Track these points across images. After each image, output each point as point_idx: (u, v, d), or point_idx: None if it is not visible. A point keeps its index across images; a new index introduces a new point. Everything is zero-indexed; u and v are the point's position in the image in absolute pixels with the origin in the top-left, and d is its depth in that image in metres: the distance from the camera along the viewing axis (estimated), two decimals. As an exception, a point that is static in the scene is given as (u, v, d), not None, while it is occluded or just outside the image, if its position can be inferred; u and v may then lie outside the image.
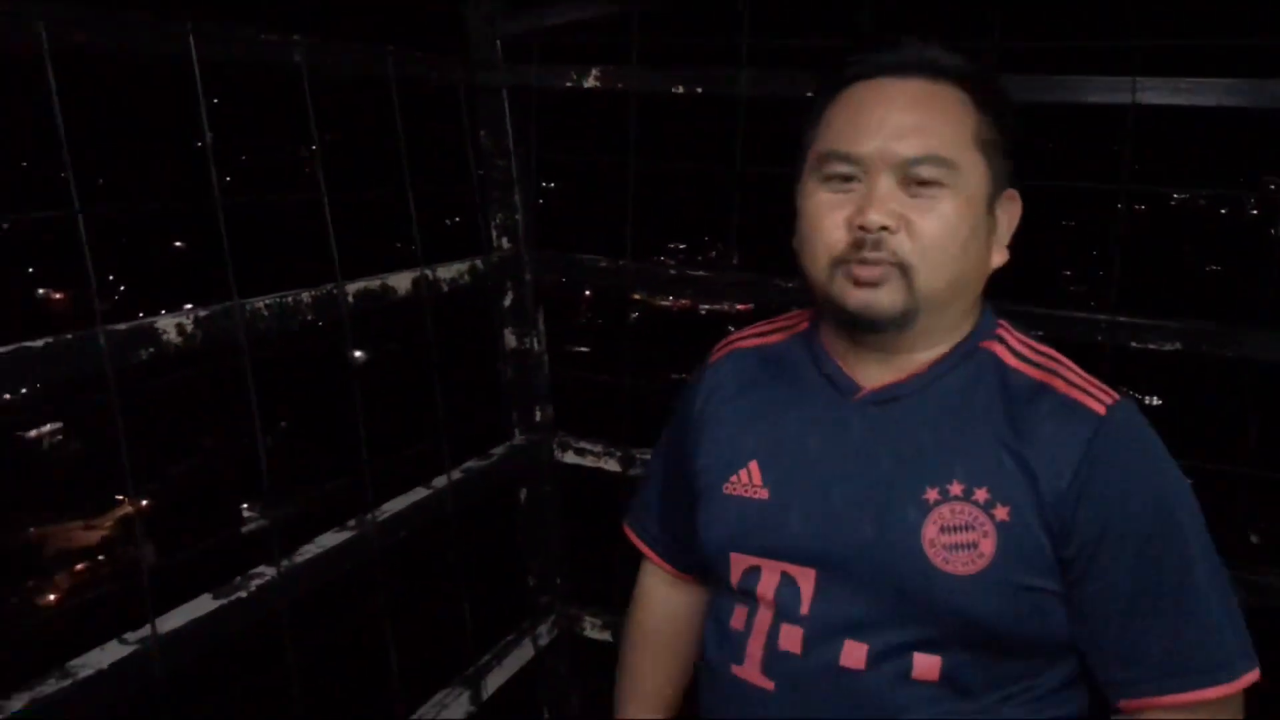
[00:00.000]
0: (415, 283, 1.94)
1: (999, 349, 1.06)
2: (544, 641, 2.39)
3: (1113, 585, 0.96)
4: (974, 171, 1.00)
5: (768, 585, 1.07)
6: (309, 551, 1.74)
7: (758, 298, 2.02)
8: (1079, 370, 1.04)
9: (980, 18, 1.75)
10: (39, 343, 1.27)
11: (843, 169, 1.02)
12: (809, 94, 1.90)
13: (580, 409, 2.45)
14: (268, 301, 1.62)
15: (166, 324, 1.44)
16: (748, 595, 1.10)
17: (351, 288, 1.78)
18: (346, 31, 1.82)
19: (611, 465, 2.28)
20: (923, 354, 1.05)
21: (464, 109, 2.08)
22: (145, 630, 1.44)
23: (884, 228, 0.98)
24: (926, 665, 0.99)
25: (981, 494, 0.97)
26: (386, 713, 1.93)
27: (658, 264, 2.11)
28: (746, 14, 1.92)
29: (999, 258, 1.06)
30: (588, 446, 2.31)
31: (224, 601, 1.56)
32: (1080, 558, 0.96)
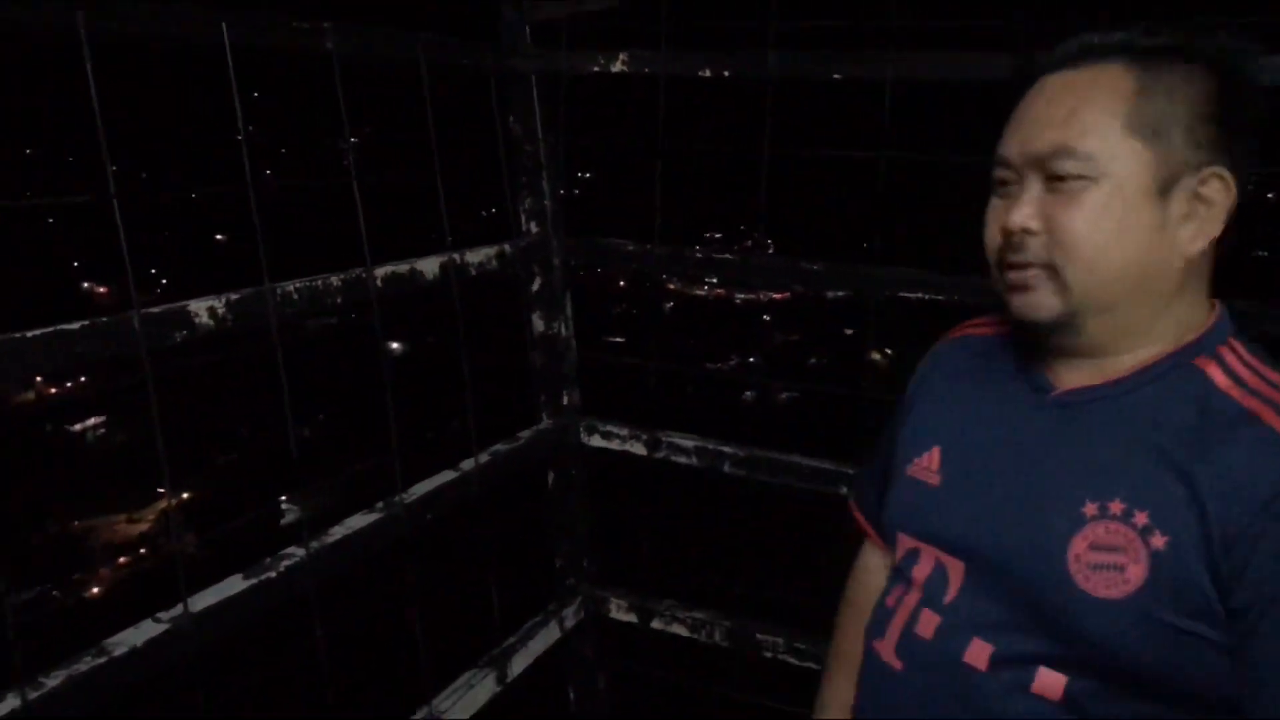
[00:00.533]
0: (443, 267, 1.95)
1: (1214, 368, 0.97)
2: (570, 623, 2.41)
3: (1268, 650, 0.87)
4: (1126, 159, 0.93)
5: (922, 570, 1.09)
6: (337, 533, 1.76)
7: (784, 282, 2.02)
8: None
9: None
10: (76, 325, 1.29)
11: (1001, 173, 1.02)
12: (836, 75, 1.91)
13: (610, 394, 2.46)
14: (298, 285, 1.64)
15: (199, 307, 1.47)
16: (904, 576, 1.12)
17: (380, 272, 1.80)
18: (378, 18, 1.82)
19: (638, 449, 2.29)
20: (1127, 356, 1.00)
21: (494, 95, 2.08)
22: (178, 609, 1.47)
23: (1025, 229, 0.97)
24: (1050, 681, 0.97)
25: (1141, 517, 0.92)
26: (414, 692, 1.95)
27: (685, 249, 2.11)
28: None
29: (1193, 247, 0.97)
30: (614, 430, 2.32)
31: (254, 581, 1.58)
32: (1252, 611, 0.87)
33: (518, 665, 2.23)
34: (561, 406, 2.36)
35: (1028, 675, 0.97)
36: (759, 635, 2.27)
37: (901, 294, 1.96)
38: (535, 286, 2.29)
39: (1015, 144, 0.99)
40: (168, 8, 1.38)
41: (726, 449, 2.20)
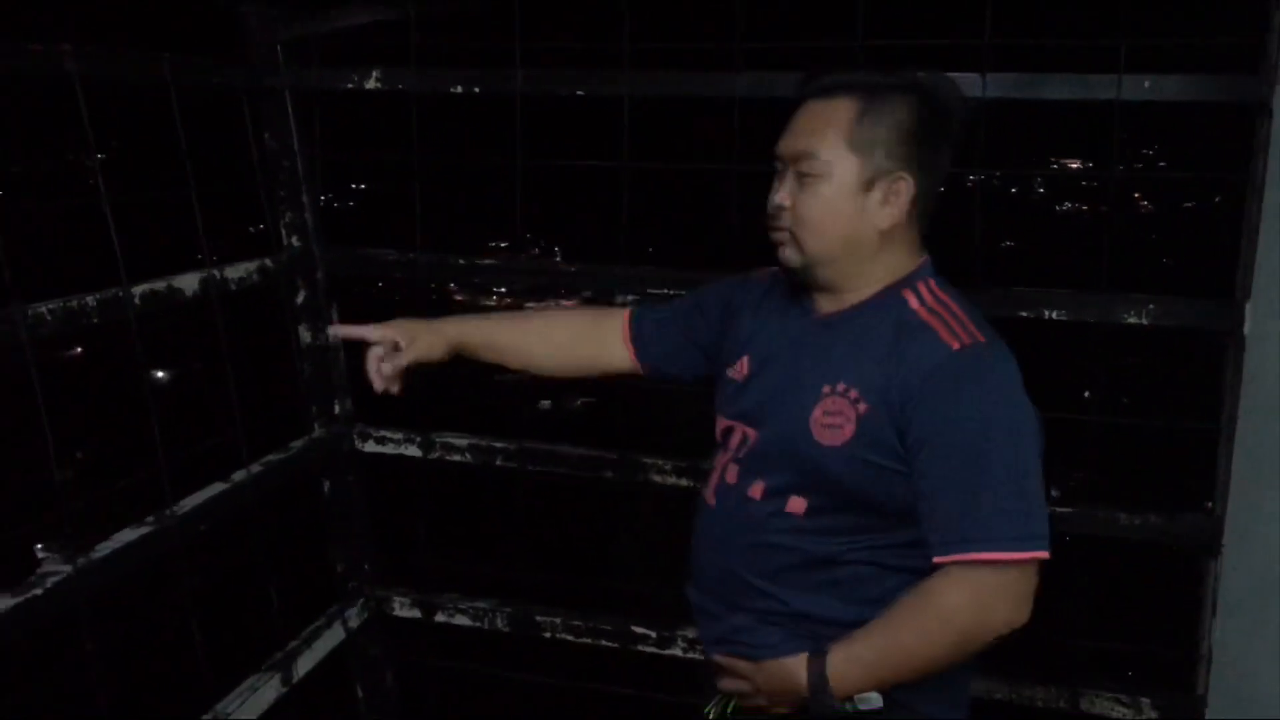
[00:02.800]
0: (203, 283, 1.98)
1: (909, 295, 1.39)
2: (354, 624, 2.47)
3: (929, 470, 1.30)
4: (844, 165, 1.35)
5: (733, 439, 1.48)
6: (105, 548, 1.77)
7: (544, 283, 2.17)
8: (966, 320, 1.35)
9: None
10: None
11: (777, 164, 1.41)
12: (579, 91, 2.09)
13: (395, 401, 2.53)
14: (51, 306, 1.65)
15: (-57, 330, 1.46)
16: (723, 445, 1.51)
17: (137, 290, 1.82)
18: (123, 38, 1.84)
19: (413, 450, 2.39)
20: (851, 295, 1.41)
21: (246, 111, 2.13)
22: (-64, 633, 1.46)
23: (780, 206, 1.39)
24: (796, 503, 1.39)
25: (854, 393, 1.34)
26: (196, 700, 1.97)
27: (448, 256, 2.23)
28: (520, 17, 2.06)
29: (885, 222, 1.37)
30: (388, 434, 2.41)
31: (19, 600, 1.59)
32: (913, 448, 1.31)
33: (303, 666, 2.27)
34: (333, 415, 2.42)
35: (783, 501, 1.40)
36: (538, 618, 2.41)
37: (650, 290, 2.16)
38: (300, 299, 2.34)
39: (783, 144, 1.40)
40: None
41: (498, 444, 2.34)
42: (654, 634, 2.33)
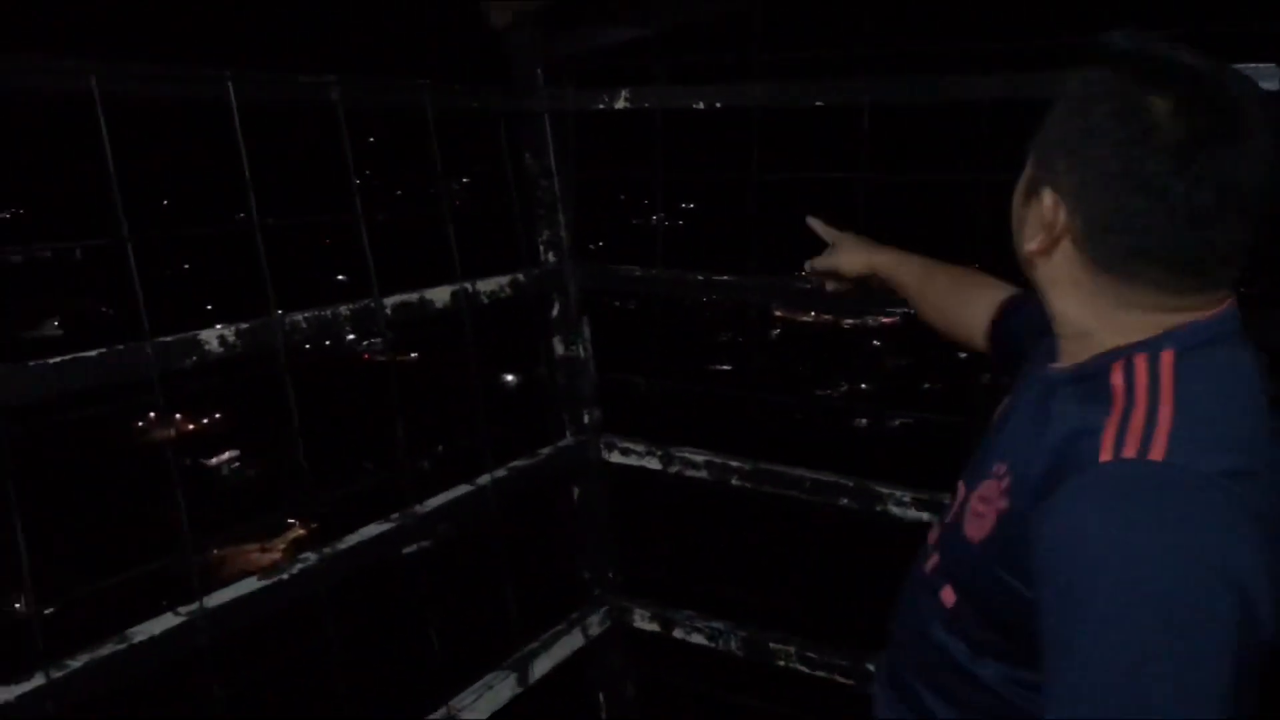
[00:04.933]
0: (454, 295, 2.10)
1: (1118, 369, 0.98)
2: (594, 631, 2.51)
3: (1041, 620, 0.90)
4: (1028, 165, 1.09)
5: (954, 497, 1.22)
6: (350, 540, 1.91)
7: (780, 300, 2.10)
8: (1168, 420, 0.90)
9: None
10: (93, 353, 1.48)
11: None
12: (818, 102, 2.00)
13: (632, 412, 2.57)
14: (306, 315, 1.81)
15: (209, 335, 1.64)
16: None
17: (390, 301, 1.96)
18: (390, 64, 1.99)
19: (653, 464, 2.40)
20: (1072, 352, 1.05)
21: (503, 132, 2.24)
22: (194, 605, 1.64)
23: None
24: (948, 593, 1.13)
25: (1006, 482, 1.02)
26: (432, 693, 2.09)
27: (685, 273, 2.22)
28: (759, 31, 2.02)
29: (1029, 246, 1.05)
30: (631, 446, 2.43)
31: (267, 582, 1.75)
32: (1031, 575, 0.93)
33: (539, 668, 2.34)
34: (582, 424, 2.49)
35: (941, 585, 1.14)
36: (772, 645, 2.34)
37: (890, 310, 2.03)
38: (554, 312, 2.43)
39: None
40: (175, 71, 1.58)
41: (734, 463, 2.29)
42: (891, 677, 2.18)
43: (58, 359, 1.44)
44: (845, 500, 2.17)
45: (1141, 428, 0.90)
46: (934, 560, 1.18)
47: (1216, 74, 0.92)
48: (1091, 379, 0.99)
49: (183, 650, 1.60)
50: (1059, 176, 0.99)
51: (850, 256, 1.66)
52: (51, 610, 1.41)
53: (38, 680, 1.42)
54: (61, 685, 1.44)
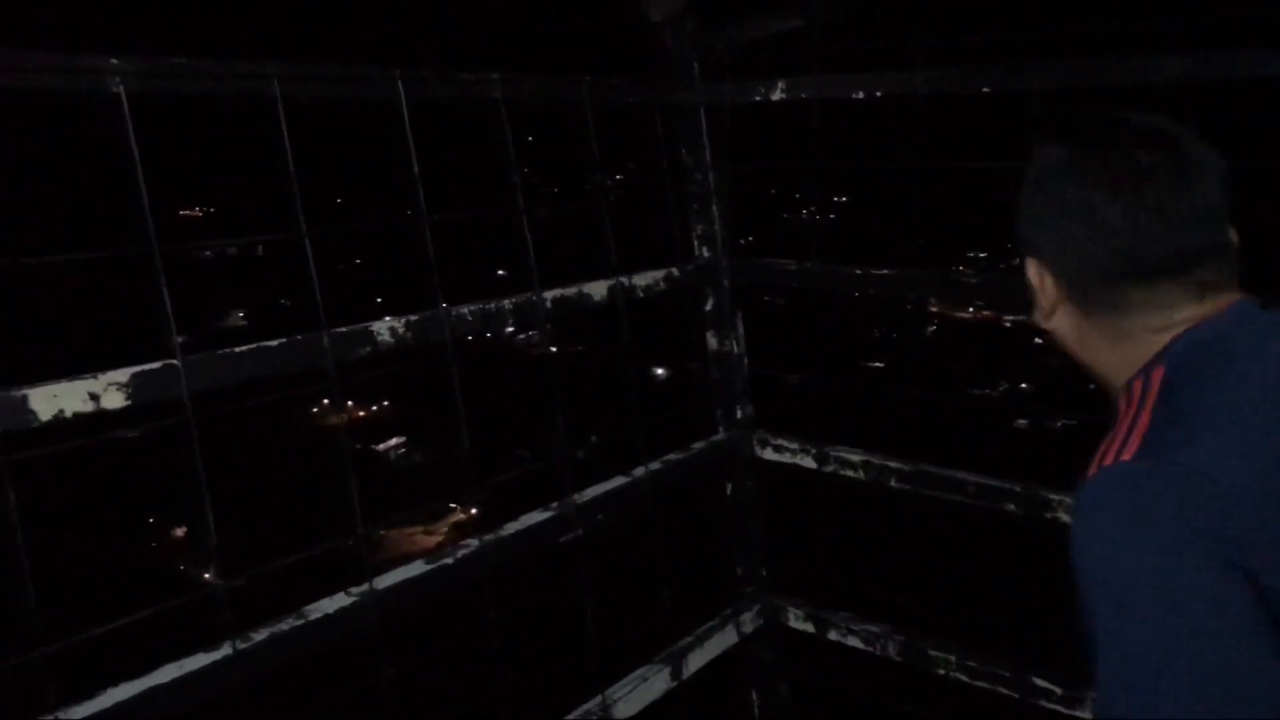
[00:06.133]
0: (611, 290, 2.12)
1: (1123, 395, 1.04)
2: (748, 629, 2.50)
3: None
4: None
5: None
6: (511, 528, 1.96)
7: (940, 293, 2.04)
8: (1143, 425, 0.96)
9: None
10: (275, 342, 1.56)
11: None
12: (985, 89, 1.93)
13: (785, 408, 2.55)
14: (471, 308, 1.86)
15: (380, 327, 1.71)
16: None
17: (549, 294, 2.00)
18: (544, 61, 2.03)
19: (808, 462, 2.36)
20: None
21: (658, 126, 2.24)
22: (364, 586, 1.71)
23: None
24: None
25: None
26: (586, 683, 2.11)
27: (840, 267, 2.17)
28: (918, 17, 1.96)
29: (1042, 321, 1.13)
30: (785, 443, 2.40)
31: (432, 566, 1.81)
32: None
33: (693, 663, 2.34)
34: (735, 420, 2.47)
35: None
36: (931, 651, 2.27)
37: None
38: (708, 306, 2.42)
39: None
40: (350, 71, 1.65)
41: (892, 464, 2.23)
42: (1059, 690, 2.08)
43: (244, 348, 1.53)
44: (1011, 506, 2.08)
45: (1122, 437, 0.95)
46: None
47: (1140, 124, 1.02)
48: (1112, 415, 1.04)
49: (353, 628, 1.68)
50: (1037, 247, 1.08)
51: None
52: (237, 584, 1.49)
53: (226, 650, 1.51)
54: (247, 656, 1.53)
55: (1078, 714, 2.07)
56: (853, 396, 2.40)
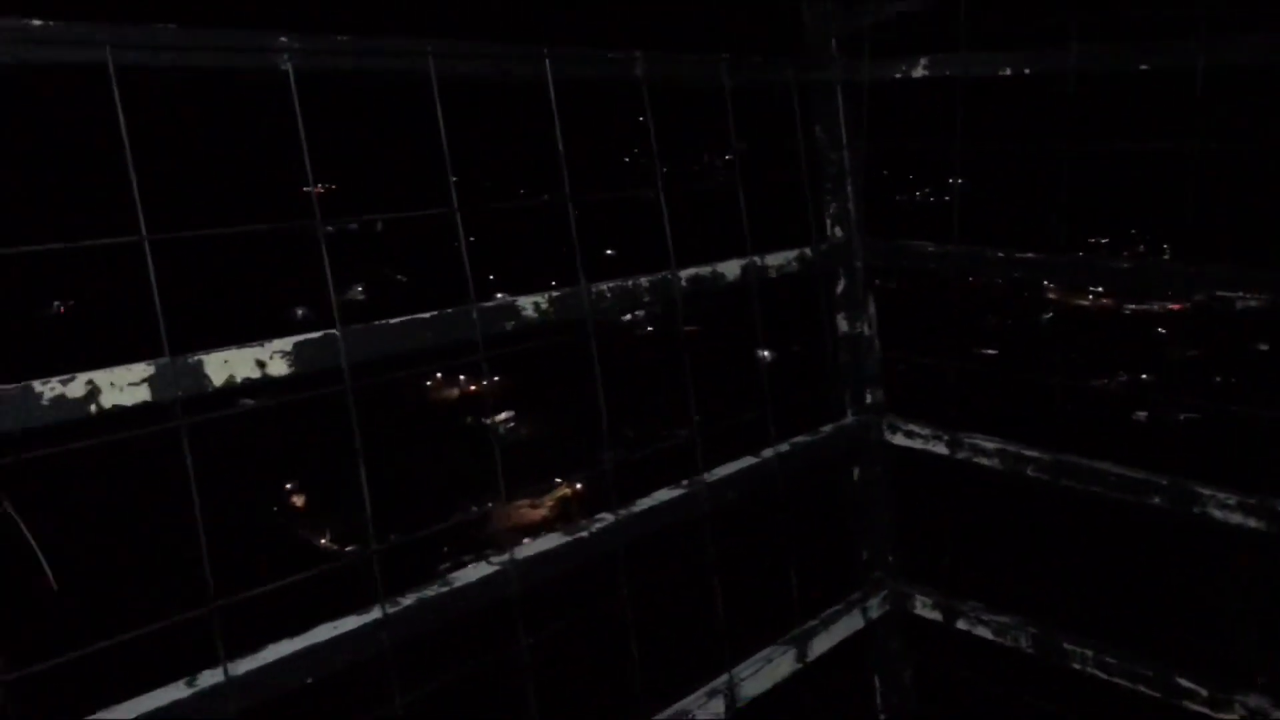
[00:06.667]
0: (744, 269, 2.11)
1: None
2: (874, 614, 2.47)
3: None
4: None
5: None
6: (643, 504, 1.98)
7: (1088, 282, 1.97)
8: None
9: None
10: (426, 315, 1.61)
11: None
12: (1142, 66, 1.85)
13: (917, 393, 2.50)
14: (610, 285, 1.87)
15: (525, 302, 1.74)
16: None
17: (684, 274, 2.00)
18: (683, 36, 2.02)
19: (939, 449, 2.32)
20: None
21: (796, 105, 2.22)
22: (506, 556, 1.75)
23: None
24: None
25: None
26: (714, 659, 2.13)
27: (984, 249, 2.12)
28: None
29: None
30: (916, 429, 2.36)
31: (570, 538, 1.84)
32: None
33: (818, 647, 2.33)
34: (864, 404, 2.44)
35: None
36: (1066, 645, 2.21)
37: (1219, 293, 1.85)
38: (840, 288, 2.39)
39: None
40: (503, 49, 1.67)
41: (1029, 453, 2.18)
42: (1205, 692, 2.01)
43: (397, 320, 1.58)
44: (1157, 499, 2.01)
45: None
46: None
47: None
48: None
49: (495, 596, 1.72)
50: None
51: None
52: (382, 549, 1.55)
53: (375, 613, 1.57)
54: (397, 619, 1.58)
55: (1223, 716, 1.99)
56: (975, 383, 2.33)
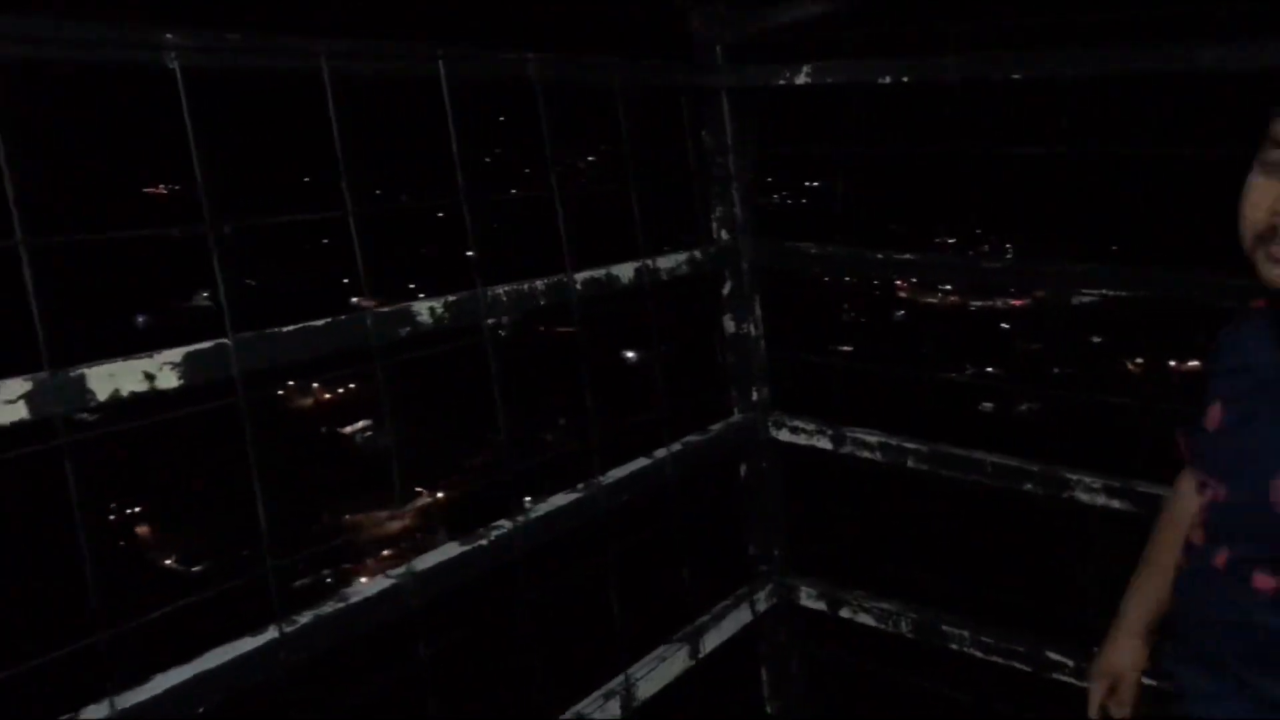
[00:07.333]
0: (638, 272, 2.13)
1: None
2: (762, 607, 2.53)
3: None
4: None
5: (1205, 496, 1.32)
6: (541, 509, 1.96)
7: (962, 280, 2.06)
8: None
9: None
10: (320, 322, 1.55)
11: (1277, 155, 1.12)
12: (1014, 75, 1.94)
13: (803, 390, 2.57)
14: (506, 289, 1.85)
15: (420, 308, 1.70)
16: (1200, 501, 1.34)
17: (580, 276, 2.00)
18: (576, 43, 2.02)
19: (824, 443, 2.39)
20: None
21: (685, 110, 2.24)
22: (403, 569, 1.71)
23: None
24: (1263, 579, 1.18)
25: None
26: (611, 659, 2.13)
27: (865, 250, 2.19)
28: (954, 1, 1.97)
29: None
30: (801, 425, 2.42)
31: (467, 548, 1.81)
32: None
33: (710, 643, 2.37)
34: (751, 401, 2.49)
35: (1248, 573, 1.20)
36: (945, 627, 2.31)
37: (1084, 291, 1.97)
38: (726, 290, 2.43)
39: None
40: (392, 48, 1.63)
41: (910, 445, 2.26)
42: (1071, 663, 2.13)
43: (290, 328, 1.52)
44: (1029, 485, 2.12)
45: None
46: (1223, 554, 1.24)
47: None
48: None
49: (394, 610, 1.68)
50: None
51: (1133, 667, 1.60)
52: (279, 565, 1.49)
53: (272, 633, 1.51)
54: (293, 639, 1.52)
55: (1089, 684, 2.11)
56: (853, 380, 2.42)
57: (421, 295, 1.76)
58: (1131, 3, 1.78)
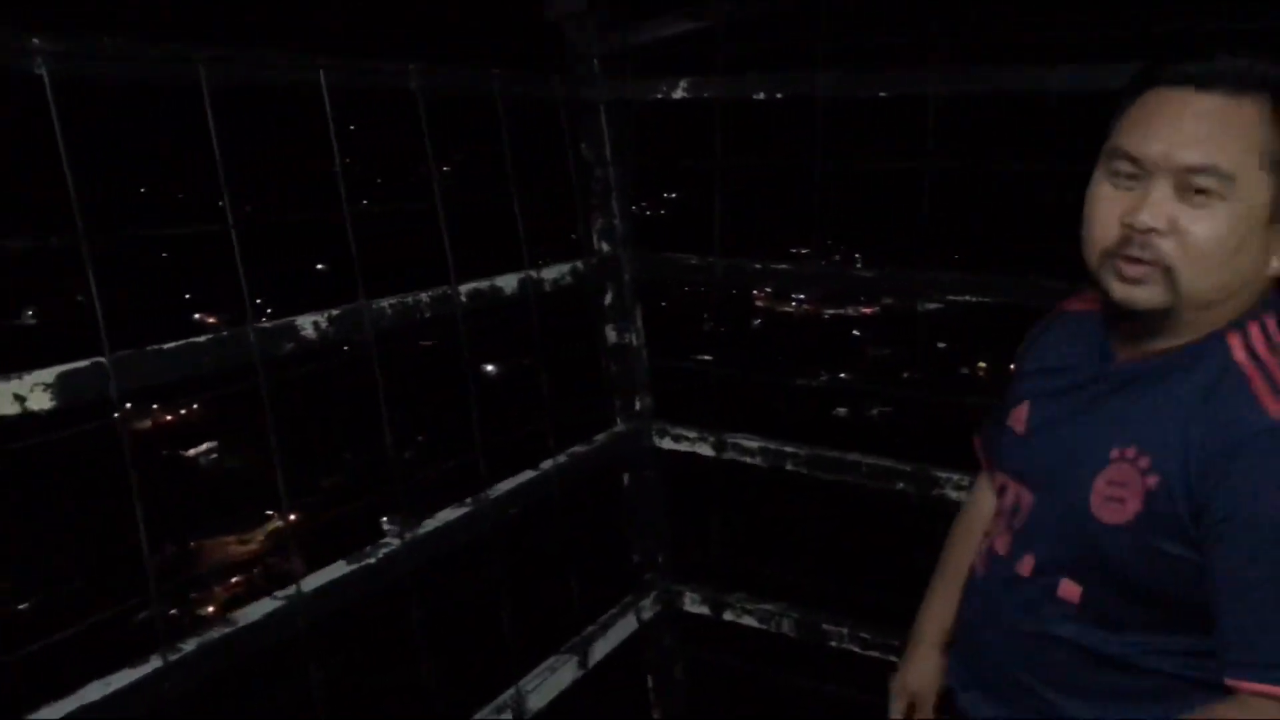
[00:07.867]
0: (521, 283, 2.13)
1: (1235, 339, 1.10)
2: (647, 615, 2.55)
3: (1222, 567, 1.04)
4: (1256, 186, 1.05)
5: (1007, 499, 1.31)
6: (430, 525, 1.94)
7: (836, 288, 2.14)
8: None
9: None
10: (202, 338, 1.50)
11: (1126, 167, 1.09)
12: (882, 94, 2.04)
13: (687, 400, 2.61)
14: (391, 302, 1.83)
15: (305, 322, 1.66)
16: (999, 504, 1.34)
17: (464, 288, 1.98)
18: (458, 55, 2.01)
19: (706, 450, 2.43)
20: (1177, 340, 1.13)
21: (564, 122, 2.26)
22: (292, 589, 1.66)
23: (1153, 229, 1.06)
24: (1068, 588, 1.18)
25: (1144, 461, 1.10)
26: (501, 674, 2.12)
27: (743, 261, 2.25)
28: (824, 20, 2.05)
29: (1277, 269, 1.10)
30: (684, 433, 2.47)
31: (356, 566, 1.77)
32: (1207, 536, 1.05)
33: (598, 652, 2.38)
34: (634, 411, 2.52)
35: (1054, 583, 1.19)
36: (825, 625, 2.39)
37: (950, 297, 2.07)
38: (607, 300, 2.45)
39: (1158, 147, 1.06)
40: (272, 56, 1.59)
41: (789, 449, 2.33)
42: (947, 655, 2.23)
43: (173, 344, 1.46)
44: (902, 485, 2.21)
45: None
46: (1029, 561, 1.22)
47: None
48: (1210, 355, 1.10)
49: (283, 632, 1.63)
50: None
51: (933, 680, 1.55)
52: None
53: (155, 663, 1.45)
54: (177, 667, 1.46)
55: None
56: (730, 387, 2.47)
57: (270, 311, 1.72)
58: (991, 29, 1.89)
